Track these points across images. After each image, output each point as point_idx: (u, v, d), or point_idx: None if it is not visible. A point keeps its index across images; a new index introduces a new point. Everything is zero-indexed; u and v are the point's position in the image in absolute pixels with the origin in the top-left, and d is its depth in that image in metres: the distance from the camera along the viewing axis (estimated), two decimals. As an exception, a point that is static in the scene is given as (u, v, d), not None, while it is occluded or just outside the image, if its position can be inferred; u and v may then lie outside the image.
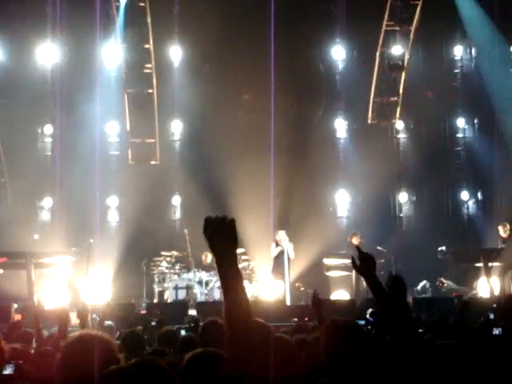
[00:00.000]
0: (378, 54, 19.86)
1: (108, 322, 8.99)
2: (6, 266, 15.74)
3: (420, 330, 7.12)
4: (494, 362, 4.77)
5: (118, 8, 18.98)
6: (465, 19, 19.76)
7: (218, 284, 16.38)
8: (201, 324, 5.79)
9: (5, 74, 19.54)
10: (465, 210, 20.88)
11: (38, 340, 6.45)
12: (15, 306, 13.87)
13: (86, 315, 5.99)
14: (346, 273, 16.71)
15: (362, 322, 6.11)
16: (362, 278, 4.08)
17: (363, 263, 3.98)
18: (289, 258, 16.51)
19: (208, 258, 17.41)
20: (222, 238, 3.22)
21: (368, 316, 6.54)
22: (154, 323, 9.81)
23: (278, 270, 16.53)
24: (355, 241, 17.30)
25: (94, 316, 10.23)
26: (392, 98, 20.33)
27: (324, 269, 17.00)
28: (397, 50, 19.91)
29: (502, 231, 16.99)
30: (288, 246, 16.49)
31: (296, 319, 11.00)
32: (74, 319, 7.43)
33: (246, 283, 16.43)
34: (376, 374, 3.68)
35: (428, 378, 3.72)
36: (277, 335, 4.85)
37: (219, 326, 5.40)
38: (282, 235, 16.62)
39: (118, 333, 8.82)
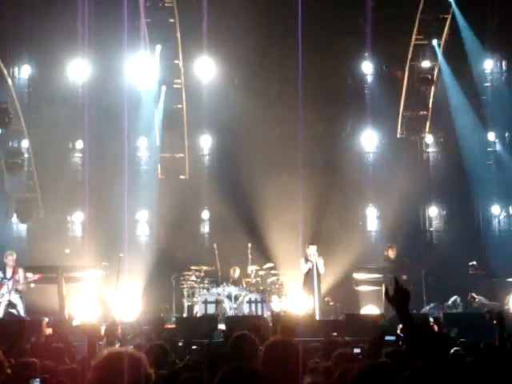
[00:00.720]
0: (407, 67, 19.80)
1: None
2: (38, 281, 15.89)
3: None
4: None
5: (148, 24, 19.15)
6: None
7: (247, 298, 16.40)
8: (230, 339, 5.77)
9: (37, 89, 19.81)
10: (496, 225, 20.67)
11: (69, 357, 6.48)
12: (46, 319, 13.97)
13: (115, 331, 6.00)
14: (375, 287, 16.63)
15: (392, 338, 6.07)
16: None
17: (397, 296, 3.95)
18: (319, 273, 16.45)
19: (236, 272, 17.43)
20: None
21: (399, 332, 6.49)
22: (180, 344, 9.73)
23: (308, 285, 16.47)
24: (391, 254, 17.20)
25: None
26: (421, 112, 20.24)
27: (354, 283, 16.92)
28: (426, 63, 19.84)
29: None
30: (318, 261, 16.44)
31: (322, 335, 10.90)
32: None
33: (275, 298, 16.47)
34: None
35: None
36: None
37: (249, 339, 5.40)
38: (312, 250, 16.57)
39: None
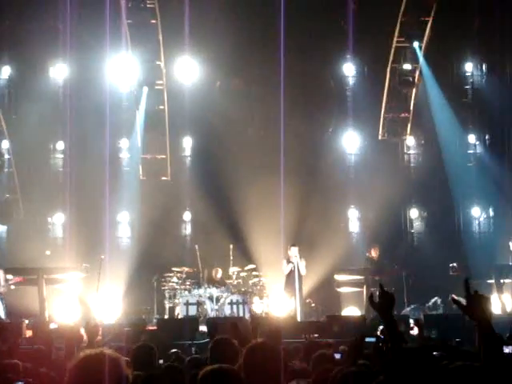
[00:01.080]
0: (388, 70, 19.87)
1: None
2: (18, 283, 15.80)
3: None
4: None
5: (129, 25, 19.09)
6: None
7: (229, 300, 16.38)
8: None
9: (17, 90, 19.70)
10: (476, 226, 20.80)
11: (49, 359, 6.43)
12: (26, 321, 13.88)
13: (96, 332, 5.97)
14: (357, 289, 16.68)
15: (373, 340, 6.08)
16: (376, 294, 4.07)
17: (382, 301, 3.95)
18: (300, 275, 16.47)
19: (218, 273, 17.41)
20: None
21: (379, 333, 6.50)
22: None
23: (289, 286, 16.48)
24: (374, 254, 17.30)
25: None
26: (403, 114, 20.33)
27: (335, 285, 16.96)
28: (407, 65, 19.92)
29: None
30: (300, 263, 16.45)
31: (304, 335, 10.92)
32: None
33: (256, 299, 16.47)
34: None
35: None
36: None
37: (228, 343, 5.40)
38: (294, 251, 16.58)
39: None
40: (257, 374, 4.09)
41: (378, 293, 4.01)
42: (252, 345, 4.35)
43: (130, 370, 3.43)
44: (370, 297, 4.02)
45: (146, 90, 19.69)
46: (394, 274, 16.80)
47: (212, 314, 16.10)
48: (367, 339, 5.76)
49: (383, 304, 3.92)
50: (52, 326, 7.36)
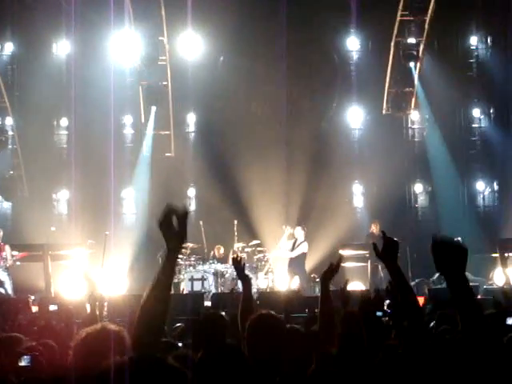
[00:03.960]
0: (392, 44, 19.74)
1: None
2: (23, 258, 15.86)
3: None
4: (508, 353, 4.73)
5: (132, 1, 18.97)
6: None
7: (233, 275, 16.43)
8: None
9: (21, 66, 19.65)
10: (481, 201, 20.78)
11: (52, 334, 6.45)
12: (32, 297, 13.96)
13: (101, 306, 5.98)
14: (361, 264, 16.71)
15: (380, 314, 6.10)
16: (380, 267, 4.08)
17: (387, 248, 3.92)
18: (303, 251, 16.62)
19: (220, 250, 17.46)
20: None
21: (386, 307, 6.51)
22: None
23: (293, 264, 16.66)
24: (374, 228, 17.34)
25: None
26: (407, 89, 20.22)
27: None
28: (412, 39, 19.78)
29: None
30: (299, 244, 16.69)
31: (307, 310, 10.97)
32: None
33: (261, 275, 16.51)
34: (401, 371, 3.67)
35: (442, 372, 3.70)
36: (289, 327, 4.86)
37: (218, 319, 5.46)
38: (296, 232, 16.79)
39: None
40: (262, 345, 4.12)
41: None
42: (257, 315, 4.39)
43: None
44: (374, 246, 4.00)
45: (148, 65, 19.56)
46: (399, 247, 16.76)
47: (217, 290, 16.17)
48: (376, 313, 5.77)
49: (388, 252, 3.90)
50: (51, 307, 7.29)
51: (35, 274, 15.98)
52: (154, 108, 19.75)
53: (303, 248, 16.67)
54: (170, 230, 3.25)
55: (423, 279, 16.84)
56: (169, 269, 3.21)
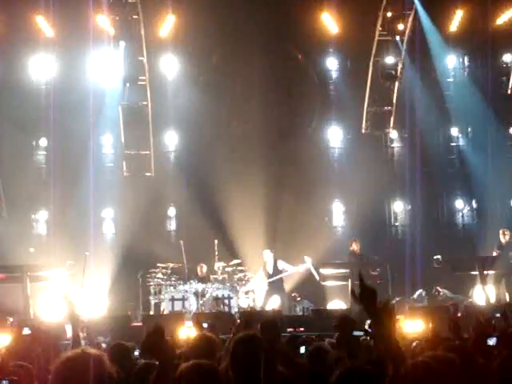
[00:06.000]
0: (371, 63, 19.90)
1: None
2: (2, 280, 15.70)
3: None
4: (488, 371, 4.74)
5: (111, 21, 18.98)
6: None
7: (214, 295, 16.39)
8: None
9: (-1, 87, 19.57)
10: (460, 219, 20.91)
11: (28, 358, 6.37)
12: (10, 319, 13.82)
13: (80, 329, 5.93)
14: (341, 282, 16.71)
15: (360, 333, 6.09)
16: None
17: (364, 294, 3.89)
18: (280, 271, 16.91)
19: (204, 269, 17.41)
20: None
21: (367, 327, 6.51)
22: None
23: (272, 284, 16.78)
24: (355, 247, 17.41)
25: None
26: (386, 108, 20.37)
27: (320, 278, 17.00)
28: (390, 59, 19.95)
29: (502, 237, 17.05)
30: (281, 265, 16.84)
31: (291, 329, 10.97)
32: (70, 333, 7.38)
33: (242, 294, 16.49)
34: None
35: None
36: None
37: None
38: (265, 256, 17.00)
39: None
40: (244, 366, 4.11)
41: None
42: (239, 337, 4.37)
43: (113, 368, 3.42)
44: (352, 292, 4.01)
45: (128, 85, 19.57)
46: (379, 266, 16.81)
47: (197, 310, 16.10)
48: (355, 333, 5.77)
49: (365, 297, 3.87)
50: (25, 331, 7.17)
51: (14, 295, 15.81)
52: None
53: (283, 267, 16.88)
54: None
55: (403, 297, 16.87)
56: None
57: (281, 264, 17.07)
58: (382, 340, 3.78)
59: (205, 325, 7.82)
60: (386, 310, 3.80)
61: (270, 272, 16.99)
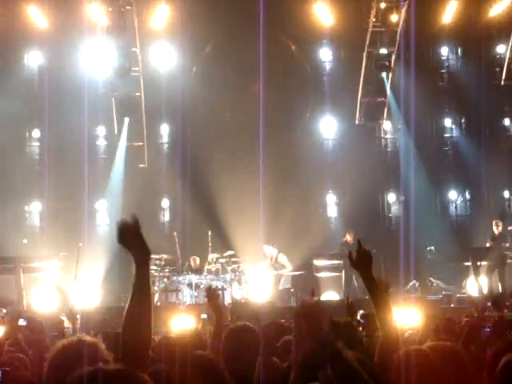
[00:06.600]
0: (365, 54, 19.87)
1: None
2: (-5, 271, 15.70)
3: None
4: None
5: (104, 11, 18.90)
6: None
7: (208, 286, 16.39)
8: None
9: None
10: (453, 210, 20.94)
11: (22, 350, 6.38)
12: (4, 311, 13.80)
13: (74, 321, 5.95)
14: (335, 273, 16.75)
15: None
16: (354, 276, 4.09)
17: (361, 257, 3.94)
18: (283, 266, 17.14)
19: (197, 261, 17.42)
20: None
21: (359, 318, 6.54)
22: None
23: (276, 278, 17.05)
24: (349, 237, 17.44)
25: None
26: (379, 99, 20.36)
27: (314, 269, 17.03)
28: (383, 50, 19.91)
29: (495, 228, 17.07)
30: (282, 260, 16.91)
31: (283, 320, 10.97)
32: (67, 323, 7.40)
33: (235, 285, 16.50)
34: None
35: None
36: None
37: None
38: (270, 251, 17.29)
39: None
40: (237, 356, 4.11)
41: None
42: (231, 328, 4.37)
43: (110, 355, 3.41)
44: (349, 255, 4.02)
45: (121, 76, 19.52)
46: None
47: (191, 301, 16.11)
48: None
49: (361, 262, 3.92)
50: (21, 322, 7.14)
51: (7, 286, 15.80)
52: (127, 119, 19.68)
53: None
54: (132, 245, 3.19)
55: (396, 288, 16.90)
56: (142, 282, 3.19)
57: (282, 258, 17.21)
58: (379, 311, 3.82)
59: (204, 316, 7.83)
60: (382, 283, 3.88)
61: (277, 266, 17.11)
